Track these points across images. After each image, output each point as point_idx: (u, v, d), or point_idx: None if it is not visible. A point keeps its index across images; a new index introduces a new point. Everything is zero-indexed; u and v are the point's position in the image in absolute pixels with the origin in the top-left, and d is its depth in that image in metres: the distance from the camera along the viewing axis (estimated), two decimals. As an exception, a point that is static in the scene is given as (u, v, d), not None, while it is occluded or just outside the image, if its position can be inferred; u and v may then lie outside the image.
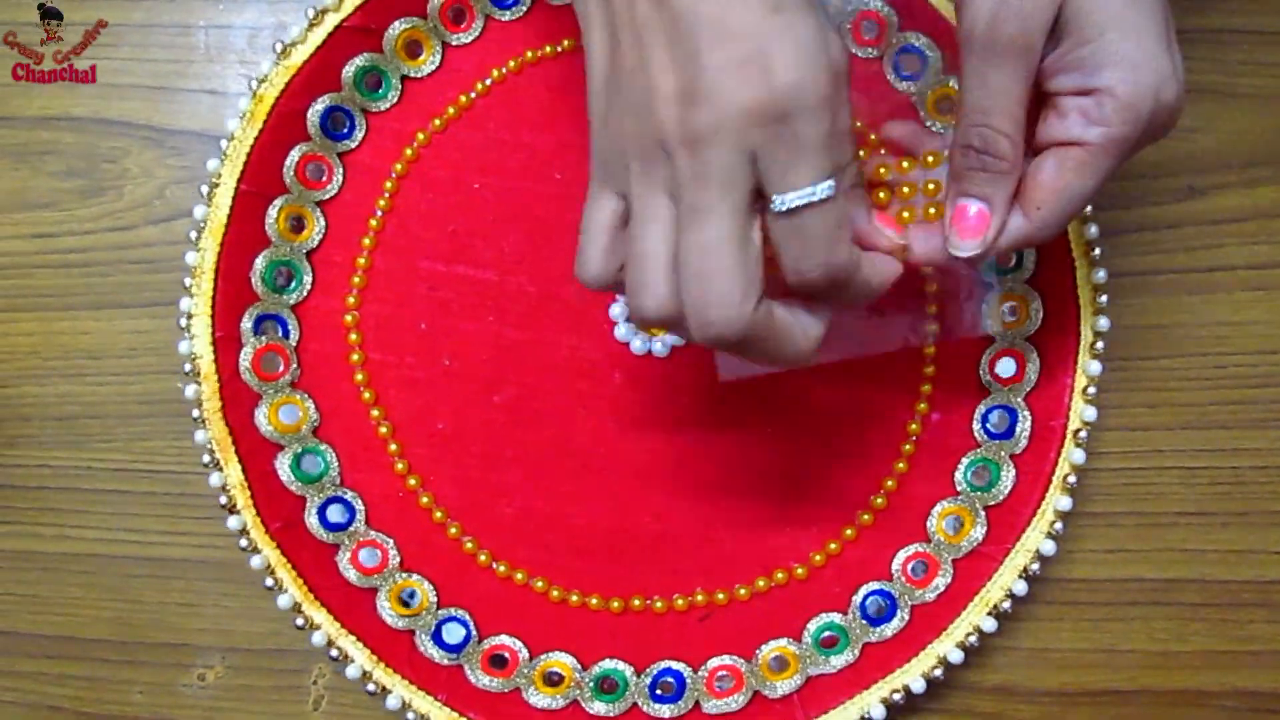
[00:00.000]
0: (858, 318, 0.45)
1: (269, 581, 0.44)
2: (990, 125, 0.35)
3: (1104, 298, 0.45)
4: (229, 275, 0.46)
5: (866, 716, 0.44)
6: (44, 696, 0.48)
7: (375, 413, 0.47)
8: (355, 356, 0.47)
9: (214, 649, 0.48)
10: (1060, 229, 0.37)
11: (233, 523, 0.45)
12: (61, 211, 0.50)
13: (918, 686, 0.44)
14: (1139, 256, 0.49)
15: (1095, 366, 0.45)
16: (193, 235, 0.46)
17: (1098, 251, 0.45)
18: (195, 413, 0.45)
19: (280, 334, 0.47)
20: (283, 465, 0.46)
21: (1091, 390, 0.45)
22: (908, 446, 0.47)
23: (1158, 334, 0.49)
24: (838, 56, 0.31)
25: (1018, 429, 0.46)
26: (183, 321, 0.45)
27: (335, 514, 0.46)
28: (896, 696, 0.44)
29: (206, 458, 0.45)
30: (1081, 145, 0.35)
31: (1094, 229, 0.45)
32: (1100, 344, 0.45)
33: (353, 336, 0.47)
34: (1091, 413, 0.45)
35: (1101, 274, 0.45)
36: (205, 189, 0.46)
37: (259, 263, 0.47)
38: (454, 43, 0.48)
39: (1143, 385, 0.48)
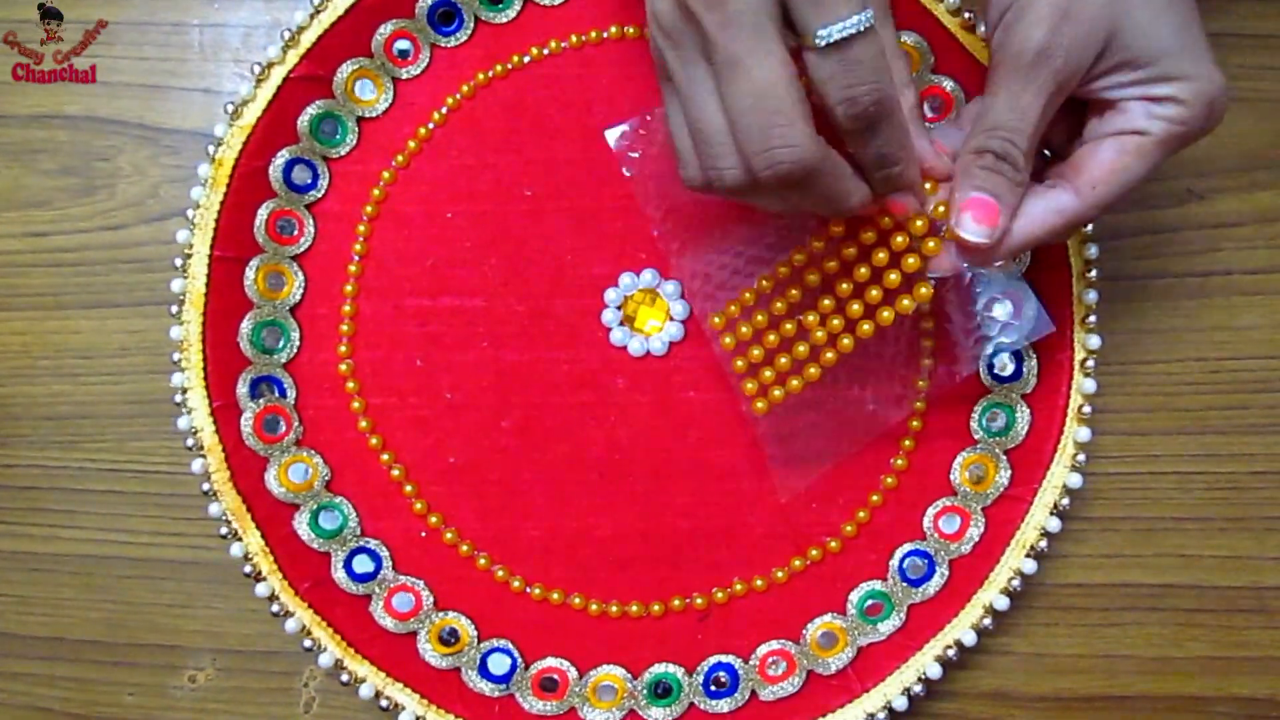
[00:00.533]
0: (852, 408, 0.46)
1: (307, 643, 0.44)
2: (1014, 142, 0.38)
3: (1089, 226, 0.45)
4: (217, 344, 0.46)
5: (924, 677, 0.44)
6: (34, 698, 0.48)
7: (385, 457, 0.47)
8: (356, 405, 0.47)
9: (205, 650, 0.48)
10: (1104, 213, 0.39)
11: (261, 590, 0.44)
12: (54, 210, 0.50)
13: (969, 640, 0.44)
14: (1137, 260, 0.49)
15: (1092, 295, 0.45)
16: (173, 310, 0.45)
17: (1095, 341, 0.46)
18: (205, 486, 0.45)
19: (277, 394, 0.47)
20: (301, 525, 0.46)
21: (1091, 319, 0.45)
22: (919, 404, 0.47)
23: (1155, 338, 0.48)
24: None
25: (1024, 368, 0.46)
26: (178, 397, 0.45)
27: (362, 565, 0.46)
28: (951, 653, 0.44)
29: (224, 529, 0.44)
30: (1144, 134, 0.38)
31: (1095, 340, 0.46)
32: (1093, 272, 0.45)
33: (350, 385, 0.47)
34: (1095, 340, 0.45)
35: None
36: (179, 261, 0.45)
37: (245, 326, 0.46)
38: (403, 76, 0.48)
39: (1140, 390, 0.48)
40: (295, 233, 0.48)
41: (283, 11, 0.50)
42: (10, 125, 0.50)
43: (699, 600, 0.46)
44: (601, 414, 0.47)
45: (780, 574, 0.46)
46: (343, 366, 0.47)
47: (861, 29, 0.33)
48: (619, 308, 0.47)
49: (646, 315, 0.47)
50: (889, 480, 0.47)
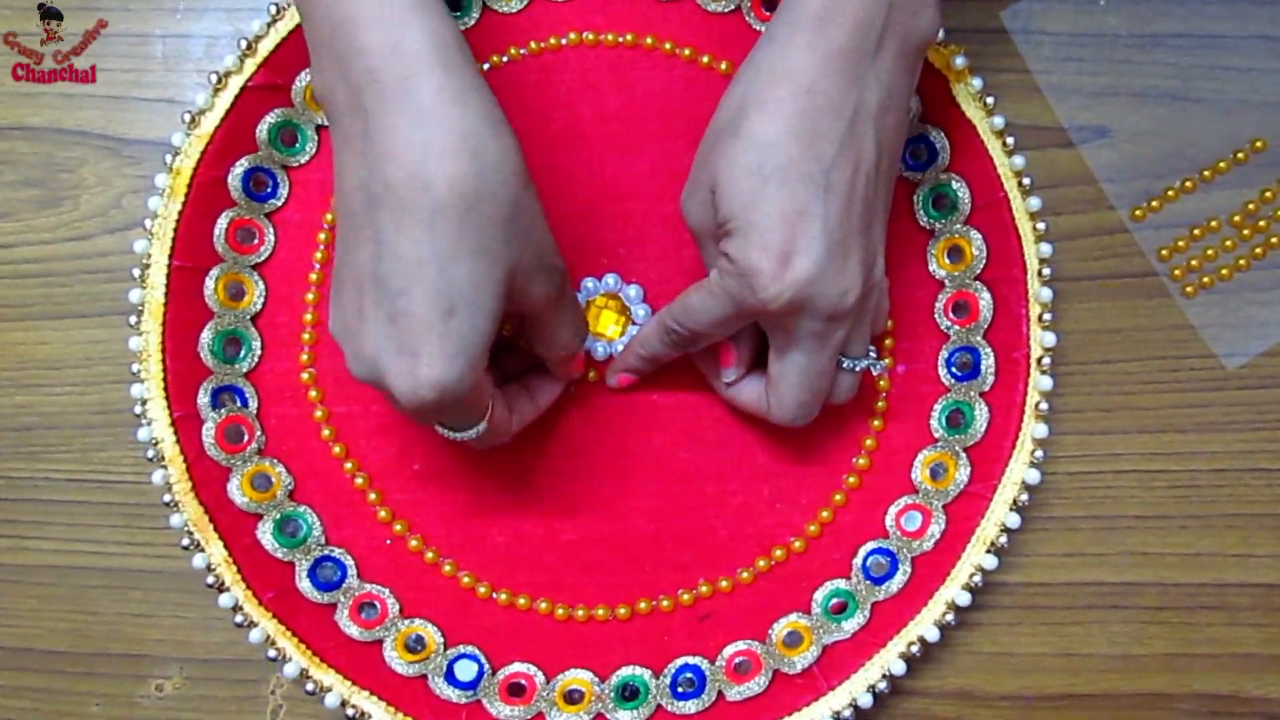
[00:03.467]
0: None
1: (271, 653, 0.44)
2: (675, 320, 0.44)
3: (1043, 224, 0.46)
4: (176, 354, 0.45)
5: (888, 674, 0.44)
6: (1, 709, 0.48)
7: (349, 465, 0.47)
8: (319, 414, 0.47)
9: (171, 659, 0.48)
10: (659, 343, 0.44)
11: (224, 600, 0.44)
12: (18, 222, 0.50)
13: (932, 636, 0.44)
14: (1094, 260, 0.49)
15: (1046, 292, 0.46)
16: (132, 320, 0.45)
17: (1028, 181, 0.46)
18: (167, 497, 0.44)
19: (239, 404, 0.47)
20: (265, 534, 0.46)
21: (1046, 316, 0.46)
22: (880, 403, 0.47)
23: (1113, 338, 0.49)
24: (478, 358, 0.36)
25: (983, 366, 0.46)
26: (137, 409, 0.45)
27: (326, 574, 0.46)
28: (914, 649, 0.44)
29: (186, 540, 0.44)
30: (710, 274, 0.41)
31: (1020, 160, 0.46)
32: (1047, 270, 0.46)
33: (312, 394, 0.47)
34: (1050, 338, 0.46)
35: (1035, 202, 0.46)
36: (137, 271, 0.45)
37: (205, 336, 0.46)
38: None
39: (1099, 389, 0.49)
40: (255, 241, 0.48)
41: (245, 22, 0.50)
42: (-28, 137, 0.50)
43: (665, 603, 0.46)
44: (565, 417, 0.47)
45: (745, 575, 0.46)
46: (305, 375, 0.47)
47: (470, 438, 0.41)
48: (581, 312, 0.47)
49: (608, 320, 0.47)
50: (851, 480, 0.47)
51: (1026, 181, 0.46)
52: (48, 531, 0.49)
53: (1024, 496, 0.45)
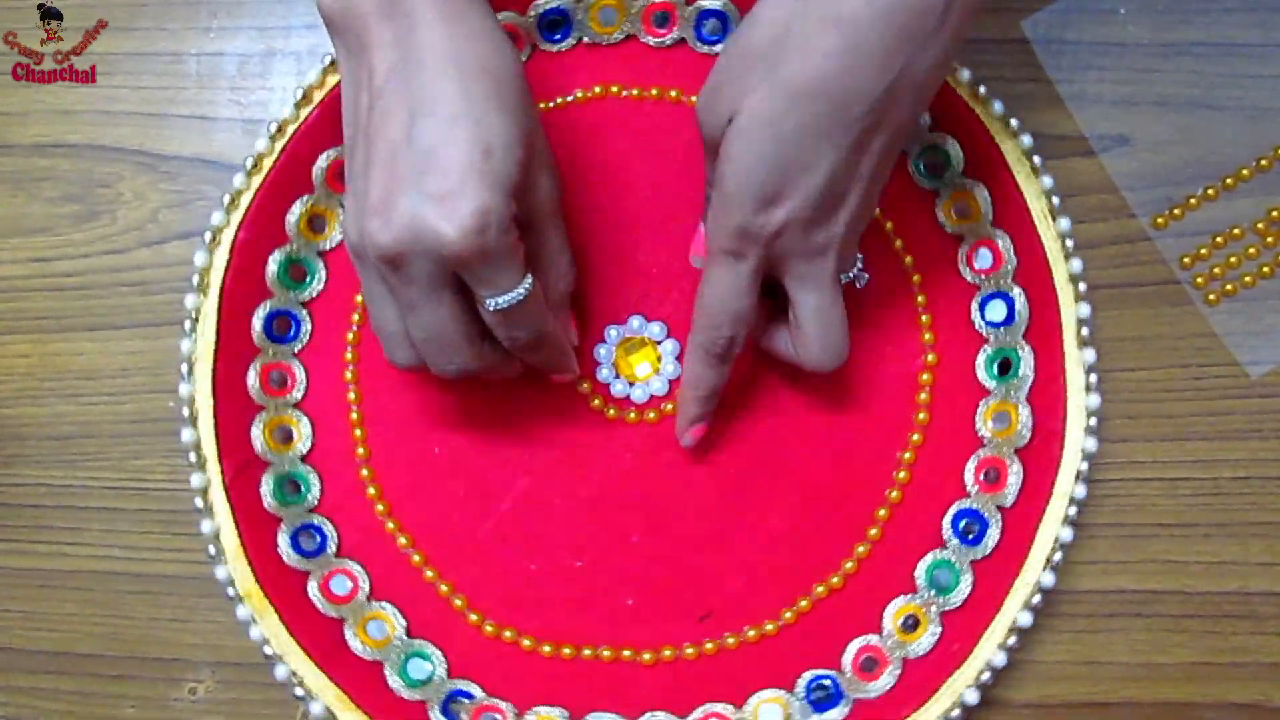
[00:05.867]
0: None
1: (316, 708, 0.45)
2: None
3: (1070, 243, 0.46)
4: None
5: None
6: (38, 711, 0.49)
7: (390, 525, 0.48)
8: (380, 508, 0.48)
9: (204, 663, 0.49)
10: (703, 366, 0.44)
11: (280, 673, 0.45)
12: (57, 236, 0.51)
13: (972, 699, 0.44)
14: (1116, 269, 0.49)
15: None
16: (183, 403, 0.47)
17: (1071, 243, 0.46)
18: (199, 502, 0.46)
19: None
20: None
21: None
22: (915, 436, 0.48)
23: (1136, 346, 0.49)
24: (514, 194, 0.38)
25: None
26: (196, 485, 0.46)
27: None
28: (956, 714, 0.44)
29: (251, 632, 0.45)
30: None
31: (1091, 353, 0.46)
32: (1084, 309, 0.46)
33: (365, 477, 0.48)
34: (1068, 533, 0.45)
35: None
36: (185, 368, 0.47)
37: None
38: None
39: (1122, 397, 0.49)
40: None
41: (277, 40, 0.51)
42: (14, 155, 0.51)
43: (689, 650, 0.46)
44: (599, 470, 0.48)
45: (789, 615, 0.46)
46: (356, 433, 0.48)
47: (521, 297, 0.39)
48: (613, 363, 0.48)
49: (641, 357, 0.48)
50: (873, 532, 0.47)
51: (1070, 244, 0.47)
52: (84, 537, 0.50)
53: (1066, 535, 0.45)
